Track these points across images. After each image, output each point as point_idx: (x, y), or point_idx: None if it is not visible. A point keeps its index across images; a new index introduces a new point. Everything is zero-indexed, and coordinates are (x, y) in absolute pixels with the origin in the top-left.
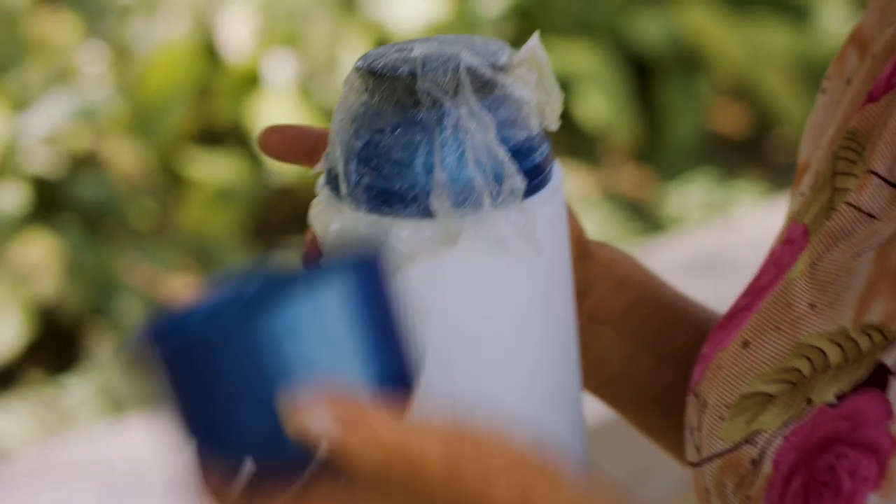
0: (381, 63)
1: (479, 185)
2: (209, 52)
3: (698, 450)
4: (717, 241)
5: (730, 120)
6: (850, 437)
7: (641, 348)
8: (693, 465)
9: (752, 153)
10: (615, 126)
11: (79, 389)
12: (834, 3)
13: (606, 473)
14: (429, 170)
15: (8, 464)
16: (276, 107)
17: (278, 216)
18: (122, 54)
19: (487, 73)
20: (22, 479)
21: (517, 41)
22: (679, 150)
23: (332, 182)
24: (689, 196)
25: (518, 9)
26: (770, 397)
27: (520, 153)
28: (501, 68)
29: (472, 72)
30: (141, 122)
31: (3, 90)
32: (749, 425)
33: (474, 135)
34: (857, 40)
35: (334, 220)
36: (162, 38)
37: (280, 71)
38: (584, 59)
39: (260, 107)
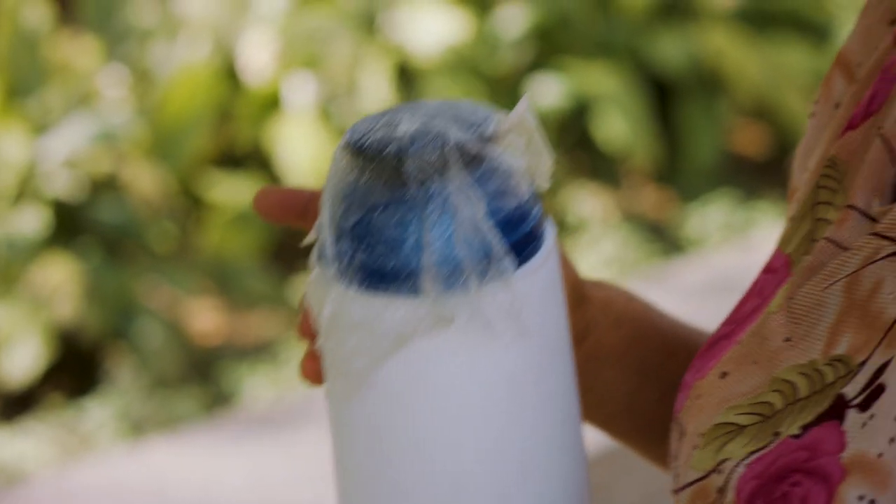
0: (369, 141)
1: (466, 266)
2: (230, 75)
3: (677, 478)
4: (738, 263)
5: (750, 141)
6: (805, 466)
7: (644, 382)
8: (674, 492)
9: (772, 174)
10: (635, 147)
11: (98, 412)
12: (854, 23)
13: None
14: (420, 249)
15: (27, 487)
16: (296, 129)
17: (298, 239)
18: (142, 78)
19: (476, 146)
20: (41, 502)
21: (537, 63)
22: (699, 171)
23: (324, 260)
24: (710, 217)
25: (538, 30)
26: (740, 428)
27: (510, 223)
28: (489, 139)
29: (459, 148)
30: (161, 145)
31: (23, 113)
32: (717, 454)
33: (463, 213)
34: (842, 64)
35: (327, 301)
36: (182, 61)
37: (301, 94)
38: (605, 80)
39: (280, 129)
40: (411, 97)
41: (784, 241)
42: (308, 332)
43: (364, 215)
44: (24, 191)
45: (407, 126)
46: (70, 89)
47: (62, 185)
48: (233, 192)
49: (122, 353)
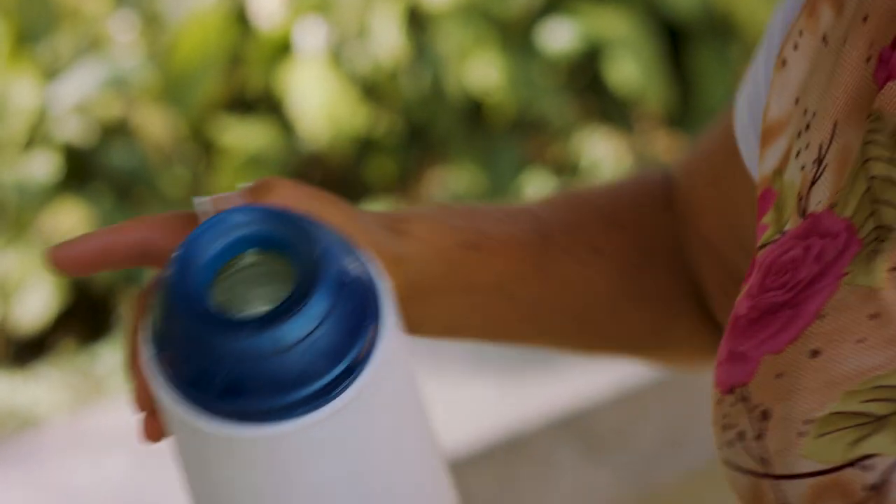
0: None
1: None
2: (240, 19)
3: (764, 461)
4: None
5: None
6: None
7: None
8: (755, 474)
9: None
10: (647, 91)
11: (111, 358)
12: None
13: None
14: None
15: (40, 433)
16: (307, 74)
17: (310, 183)
18: (153, 22)
19: None
20: (54, 447)
21: (549, 6)
22: (711, 115)
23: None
24: None
25: None
26: (878, 419)
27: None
28: None
29: None
30: (172, 89)
31: (33, 59)
32: (853, 448)
33: None
34: None
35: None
36: (193, 5)
37: (311, 38)
38: (616, 24)
39: (291, 74)
40: (422, 41)
41: (838, 204)
42: (144, 403)
43: None
44: (35, 136)
45: None
46: (80, 34)
47: (73, 130)
48: (244, 136)
49: (134, 298)
